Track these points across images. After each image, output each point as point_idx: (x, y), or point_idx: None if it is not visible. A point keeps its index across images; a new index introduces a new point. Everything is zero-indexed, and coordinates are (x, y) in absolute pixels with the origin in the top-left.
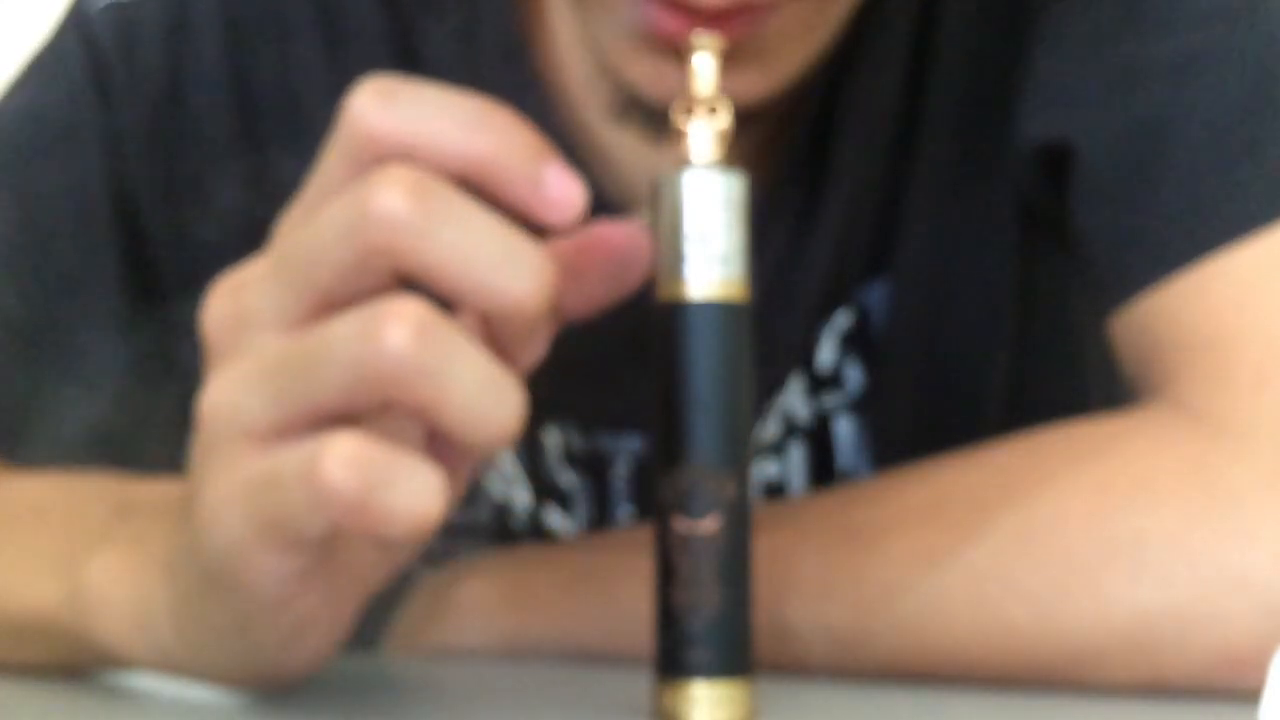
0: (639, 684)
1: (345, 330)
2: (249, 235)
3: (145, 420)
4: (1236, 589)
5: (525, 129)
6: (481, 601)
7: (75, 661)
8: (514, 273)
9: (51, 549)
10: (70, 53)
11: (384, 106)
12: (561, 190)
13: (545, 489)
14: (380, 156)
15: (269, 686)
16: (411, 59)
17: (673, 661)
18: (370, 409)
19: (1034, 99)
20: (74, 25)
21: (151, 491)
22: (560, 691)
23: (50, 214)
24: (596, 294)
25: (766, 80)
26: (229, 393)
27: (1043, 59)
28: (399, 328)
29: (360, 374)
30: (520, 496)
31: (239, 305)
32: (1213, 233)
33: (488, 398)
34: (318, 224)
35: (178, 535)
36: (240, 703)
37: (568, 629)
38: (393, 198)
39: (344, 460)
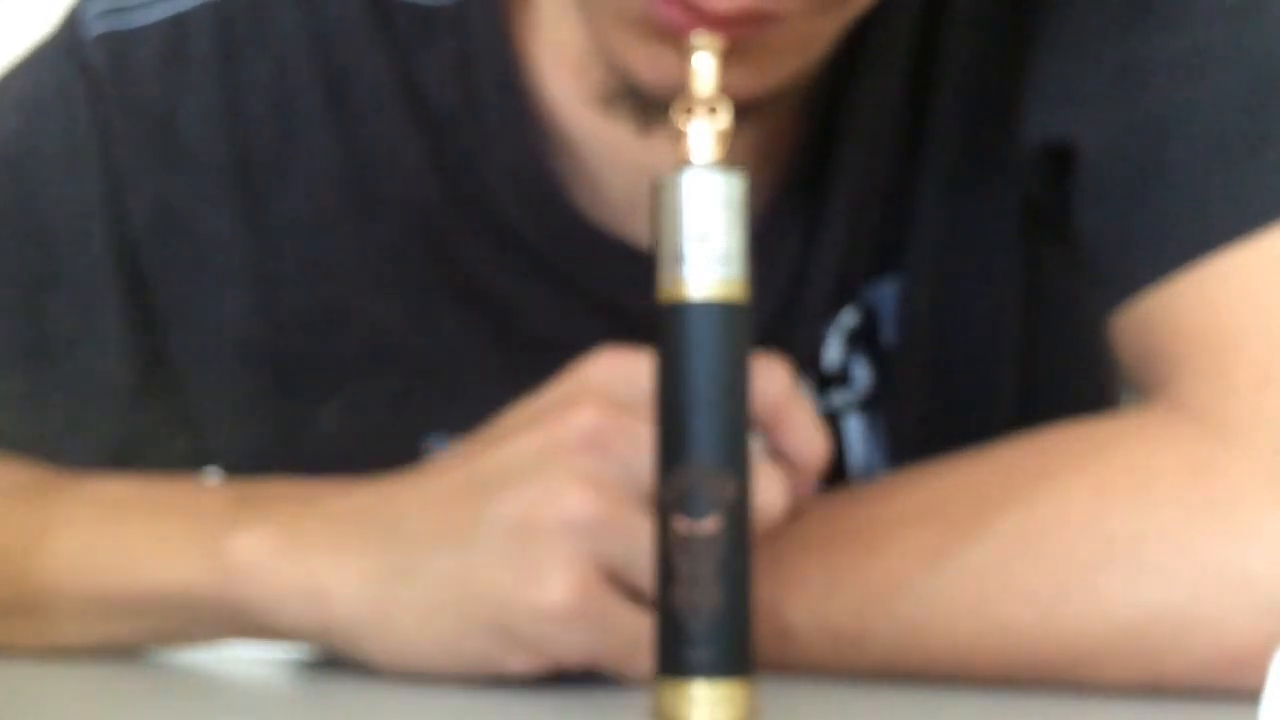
0: (639, 684)
1: None
2: (242, 264)
3: (143, 447)
4: (1236, 588)
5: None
6: None
7: (212, 629)
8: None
9: (175, 533)
10: (67, 83)
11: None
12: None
13: None
14: None
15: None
16: (409, 89)
17: (673, 661)
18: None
19: (1037, 98)
20: (69, 53)
21: (260, 488)
22: (561, 692)
23: (51, 245)
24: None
25: (757, 81)
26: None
27: (1046, 58)
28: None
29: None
30: None
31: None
32: (1214, 232)
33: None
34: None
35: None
36: (242, 703)
37: None
38: None
39: None
